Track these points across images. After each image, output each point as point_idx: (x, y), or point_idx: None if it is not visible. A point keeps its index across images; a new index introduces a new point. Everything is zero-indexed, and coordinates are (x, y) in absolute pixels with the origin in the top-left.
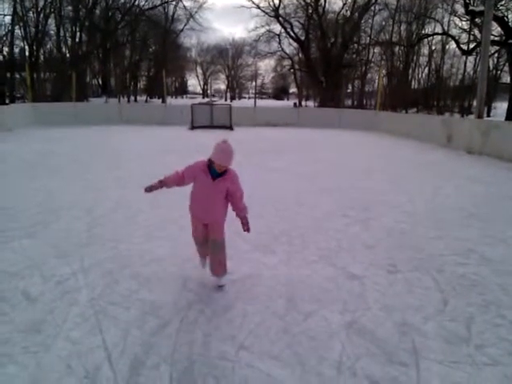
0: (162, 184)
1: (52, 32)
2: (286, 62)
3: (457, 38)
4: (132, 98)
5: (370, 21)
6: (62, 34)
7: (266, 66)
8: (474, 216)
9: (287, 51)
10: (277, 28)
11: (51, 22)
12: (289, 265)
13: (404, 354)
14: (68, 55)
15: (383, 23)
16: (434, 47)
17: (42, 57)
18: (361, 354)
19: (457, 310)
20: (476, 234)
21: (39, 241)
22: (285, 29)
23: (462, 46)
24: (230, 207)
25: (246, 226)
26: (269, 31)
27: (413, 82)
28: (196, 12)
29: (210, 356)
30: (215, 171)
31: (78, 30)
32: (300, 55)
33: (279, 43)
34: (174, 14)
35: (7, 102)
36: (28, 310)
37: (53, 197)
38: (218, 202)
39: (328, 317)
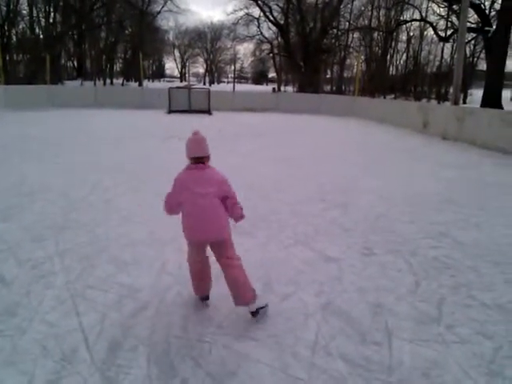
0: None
1: (24, 12)
2: (265, 46)
3: (434, 24)
4: (108, 80)
5: (349, 6)
6: (34, 14)
7: (245, 49)
8: (448, 201)
9: (266, 35)
10: (256, 11)
11: (23, 1)
12: (266, 248)
13: (377, 333)
14: (41, 36)
15: (362, 8)
16: (412, 33)
17: (14, 37)
18: (335, 334)
19: (428, 291)
20: (450, 218)
21: (14, 224)
22: (264, 12)
23: (439, 32)
24: None
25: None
26: (248, 14)
27: (391, 68)
28: None
29: (188, 338)
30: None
31: (51, 10)
32: (279, 39)
33: (258, 27)
34: None
35: None
36: (3, 293)
37: (27, 180)
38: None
39: (304, 298)
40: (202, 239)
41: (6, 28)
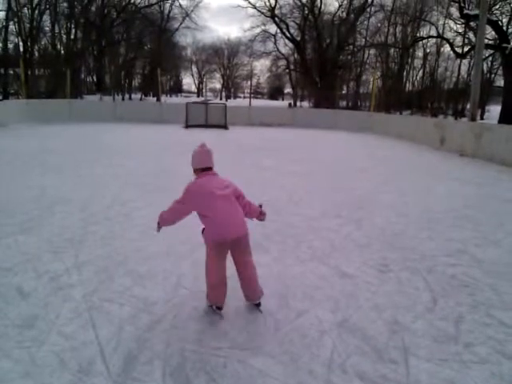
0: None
1: (47, 28)
2: (282, 63)
3: (451, 41)
4: (127, 95)
5: (365, 22)
6: (56, 30)
7: (261, 65)
8: (465, 217)
9: (283, 51)
10: (272, 28)
11: (46, 18)
12: (281, 263)
13: (394, 351)
14: (63, 52)
15: (379, 25)
16: (428, 50)
17: (36, 53)
18: (351, 352)
19: (446, 309)
20: (467, 235)
21: (33, 237)
22: (280, 29)
23: (456, 49)
24: None
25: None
26: (264, 31)
27: (407, 84)
28: (192, 11)
29: (203, 352)
30: None
31: (73, 26)
32: (295, 56)
33: (275, 43)
34: (169, 12)
35: (1, 97)
36: (21, 305)
37: (47, 193)
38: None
39: (320, 315)
40: (234, 235)
41: (28, 44)
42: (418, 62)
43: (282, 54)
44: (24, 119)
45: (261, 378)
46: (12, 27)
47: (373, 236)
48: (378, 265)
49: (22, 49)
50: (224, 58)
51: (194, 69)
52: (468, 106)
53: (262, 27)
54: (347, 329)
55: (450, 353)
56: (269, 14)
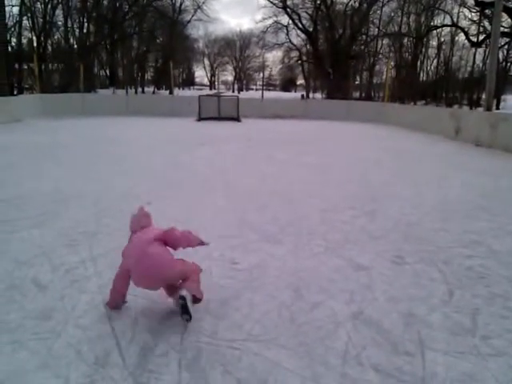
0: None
1: (60, 23)
2: (294, 54)
3: (466, 29)
4: (139, 89)
5: (378, 12)
6: (69, 24)
7: (273, 57)
8: (481, 208)
9: (295, 42)
10: (284, 19)
11: (59, 12)
12: (295, 255)
13: (409, 344)
14: (76, 46)
15: (392, 14)
16: (442, 39)
17: (49, 48)
18: (366, 344)
19: (462, 301)
20: (484, 227)
21: (48, 230)
22: (292, 20)
23: (471, 37)
24: None
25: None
26: (276, 22)
27: (421, 74)
28: (203, 3)
29: (218, 344)
30: None
31: (85, 20)
32: (308, 47)
33: (287, 34)
34: (181, 4)
35: (16, 92)
36: (38, 297)
37: (60, 187)
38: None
39: (334, 307)
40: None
41: (42, 39)
42: (432, 52)
43: (294, 45)
44: (38, 114)
45: (276, 370)
46: (25, 22)
47: (387, 228)
48: (393, 256)
49: (35, 44)
50: (236, 50)
51: (206, 61)
52: (483, 96)
53: (274, 18)
54: (362, 321)
55: (466, 345)
56: (280, 4)
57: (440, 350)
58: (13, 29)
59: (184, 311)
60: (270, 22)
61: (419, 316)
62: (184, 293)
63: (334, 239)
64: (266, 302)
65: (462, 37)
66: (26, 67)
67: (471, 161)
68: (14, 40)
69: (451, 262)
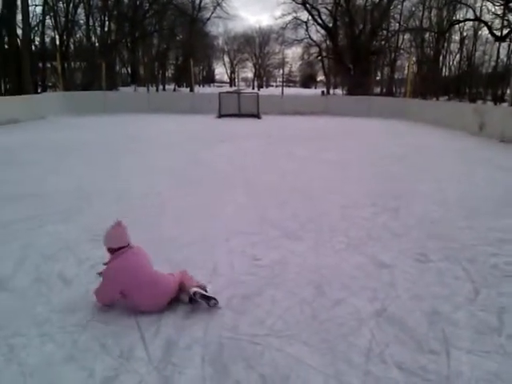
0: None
1: (81, 21)
2: (314, 50)
3: (489, 23)
4: (160, 86)
5: (399, 7)
6: (91, 23)
7: (293, 53)
8: (507, 205)
9: (314, 38)
10: (304, 15)
11: (80, 11)
12: (316, 252)
13: (434, 342)
14: (97, 44)
15: (413, 9)
16: (465, 33)
17: (72, 46)
18: (390, 342)
19: (488, 299)
20: (509, 224)
21: (73, 225)
22: (312, 16)
23: (494, 32)
24: None
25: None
26: (296, 18)
27: (444, 69)
28: (222, 0)
29: (240, 339)
30: None
31: (106, 19)
32: (328, 42)
33: (306, 30)
34: (200, 2)
35: (39, 90)
36: (64, 291)
37: (85, 183)
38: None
39: (357, 304)
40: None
41: (64, 37)
42: (454, 47)
43: (314, 41)
44: (61, 111)
45: (298, 367)
46: (48, 21)
47: (410, 225)
48: (416, 254)
49: (58, 42)
50: (255, 47)
51: (226, 58)
52: (508, 91)
53: (294, 14)
54: (385, 318)
55: (492, 344)
56: (300, 0)
57: (465, 348)
58: (36, 28)
59: (206, 299)
60: (289, 18)
61: (444, 314)
62: (193, 290)
63: (356, 236)
64: (287, 299)
65: (485, 31)
66: (49, 65)
67: (496, 157)
68: (37, 39)
69: (476, 260)
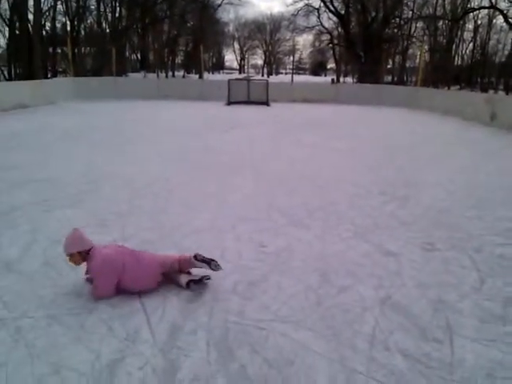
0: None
1: (92, 7)
2: (325, 37)
3: (505, 11)
4: (170, 73)
5: None
6: (102, 9)
7: (304, 40)
8: None
9: (326, 26)
10: (316, 2)
11: None
12: (323, 240)
13: (438, 330)
14: (108, 30)
15: None
16: (479, 22)
17: (82, 32)
18: (394, 329)
19: (493, 289)
20: None
21: (82, 210)
22: (324, 3)
23: (510, 20)
24: None
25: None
26: (307, 5)
27: (456, 58)
28: None
29: (245, 324)
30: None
31: (117, 5)
32: (339, 30)
33: (318, 17)
34: None
35: (50, 75)
36: (71, 275)
37: (94, 168)
38: None
39: (362, 292)
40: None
41: (75, 23)
42: (468, 35)
43: (326, 29)
44: (71, 96)
45: (303, 352)
46: (60, 7)
47: (418, 214)
48: (423, 243)
49: (69, 28)
50: (266, 34)
51: (236, 45)
52: None
53: (305, 1)
54: (390, 306)
55: (497, 333)
56: None
57: (469, 337)
58: (47, 13)
59: (207, 263)
60: (301, 4)
61: (449, 303)
62: (183, 280)
63: (363, 224)
64: (293, 285)
65: (500, 19)
66: (59, 51)
67: (506, 147)
68: (48, 24)
69: (483, 250)
